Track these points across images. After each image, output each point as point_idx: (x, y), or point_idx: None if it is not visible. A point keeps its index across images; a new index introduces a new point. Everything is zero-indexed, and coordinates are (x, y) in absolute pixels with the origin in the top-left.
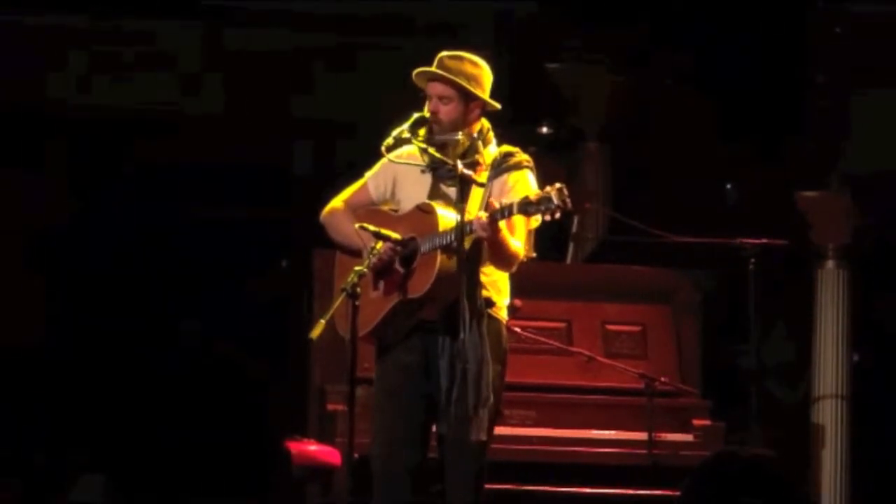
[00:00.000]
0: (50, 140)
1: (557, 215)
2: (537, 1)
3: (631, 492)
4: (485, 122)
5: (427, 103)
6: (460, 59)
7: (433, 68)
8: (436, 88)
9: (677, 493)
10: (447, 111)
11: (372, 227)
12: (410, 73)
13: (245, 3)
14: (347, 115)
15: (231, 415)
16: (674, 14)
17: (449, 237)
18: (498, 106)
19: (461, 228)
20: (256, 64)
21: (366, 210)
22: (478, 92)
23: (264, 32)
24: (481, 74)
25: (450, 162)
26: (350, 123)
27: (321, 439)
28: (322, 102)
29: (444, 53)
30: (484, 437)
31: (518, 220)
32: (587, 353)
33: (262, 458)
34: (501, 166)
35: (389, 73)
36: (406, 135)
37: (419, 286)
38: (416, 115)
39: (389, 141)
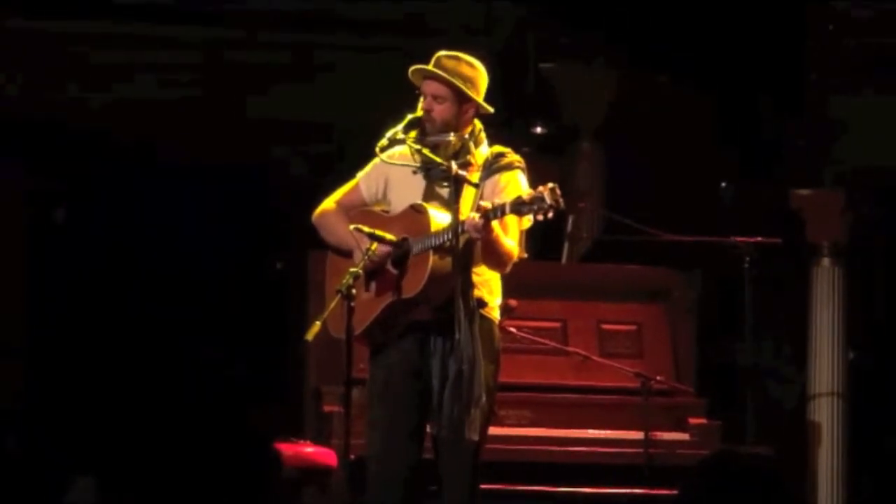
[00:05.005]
0: (42, 139)
1: (550, 215)
2: (533, 1)
3: (627, 491)
4: (477, 123)
5: (421, 101)
6: (458, 59)
7: (430, 67)
8: (431, 87)
9: (674, 493)
10: (440, 110)
11: (367, 229)
12: (405, 74)
13: (241, 6)
14: (342, 116)
15: (220, 417)
16: (667, 12)
17: (441, 237)
18: (491, 110)
19: (455, 229)
20: (252, 64)
21: (358, 211)
22: (472, 94)
23: (262, 33)
24: (477, 77)
25: (443, 163)
26: (345, 124)
27: (317, 441)
28: (318, 103)
29: (441, 53)
30: (476, 437)
31: (511, 220)
32: (583, 352)
33: (252, 460)
34: (493, 167)
35: (384, 74)
36: (400, 135)
37: (412, 287)
38: (409, 116)
39: (384, 142)
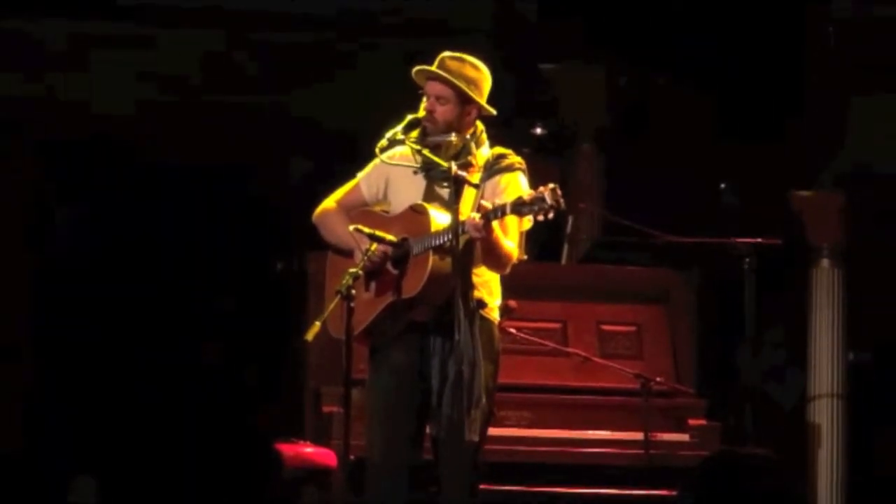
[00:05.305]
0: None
1: (551, 215)
2: (533, 1)
3: (627, 492)
4: (478, 124)
5: (424, 101)
6: (462, 61)
7: (434, 67)
8: (434, 88)
9: (674, 494)
10: (443, 111)
11: (367, 229)
12: (408, 74)
13: (241, 6)
14: (344, 115)
15: (220, 418)
16: (669, 14)
17: (441, 238)
18: (494, 112)
19: (455, 229)
20: (251, 64)
21: (358, 211)
22: (475, 96)
23: (262, 34)
24: (481, 79)
25: (443, 163)
26: (346, 123)
27: (317, 441)
28: (318, 102)
29: (445, 54)
30: (476, 438)
31: (511, 221)
32: (582, 353)
33: (253, 461)
34: (494, 168)
35: (387, 73)
36: (400, 136)
37: (411, 287)
38: (410, 117)
39: (383, 142)
